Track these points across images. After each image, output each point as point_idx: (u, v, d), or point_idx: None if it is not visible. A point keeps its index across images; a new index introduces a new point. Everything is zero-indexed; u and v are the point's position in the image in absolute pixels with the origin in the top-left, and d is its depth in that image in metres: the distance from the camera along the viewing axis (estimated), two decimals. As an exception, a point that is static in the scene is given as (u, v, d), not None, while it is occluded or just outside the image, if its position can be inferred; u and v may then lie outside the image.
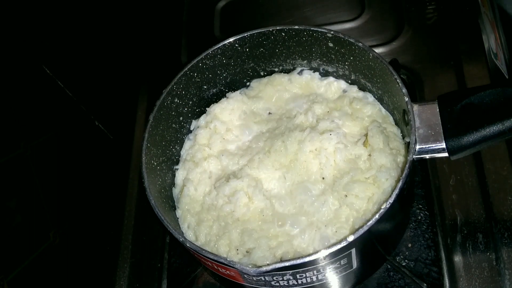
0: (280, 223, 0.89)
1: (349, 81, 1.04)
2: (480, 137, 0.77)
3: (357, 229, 0.74)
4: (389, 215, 0.76)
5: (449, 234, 0.96)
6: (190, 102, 1.03)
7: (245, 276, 0.80)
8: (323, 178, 0.91)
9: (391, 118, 0.98)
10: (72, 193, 1.15)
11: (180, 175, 1.00)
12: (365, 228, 0.74)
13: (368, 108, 0.99)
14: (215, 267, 0.82)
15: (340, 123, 0.96)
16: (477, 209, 0.97)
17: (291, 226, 0.88)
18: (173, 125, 1.01)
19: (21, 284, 0.93)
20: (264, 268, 0.74)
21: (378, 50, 1.23)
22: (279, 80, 1.07)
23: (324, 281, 0.83)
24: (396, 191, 0.76)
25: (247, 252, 0.86)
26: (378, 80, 0.95)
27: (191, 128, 1.05)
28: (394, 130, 0.95)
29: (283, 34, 1.00)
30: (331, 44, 0.98)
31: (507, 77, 1.04)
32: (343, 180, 0.89)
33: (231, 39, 1.00)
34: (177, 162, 1.03)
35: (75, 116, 1.20)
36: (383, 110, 0.99)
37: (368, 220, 0.74)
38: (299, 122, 0.98)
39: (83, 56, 1.23)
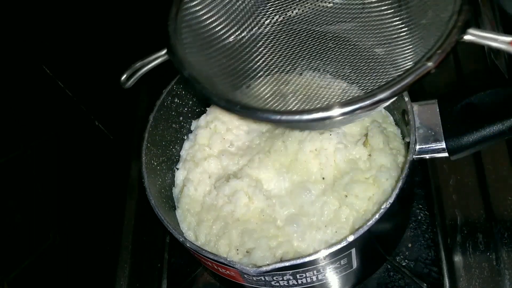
0: (280, 223, 0.89)
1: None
2: (480, 137, 0.77)
3: (357, 229, 0.74)
4: (389, 215, 0.76)
5: (449, 234, 0.96)
6: (190, 102, 1.03)
7: (245, 276, 0.80)
8: (323, 178, 0.91)
9: (391, 118, 0.98)
10: (72, 193, 1.15)
11: (180, 175, 1.00)
12: (365, 228, 0.74)
13: (368, 108, 0.98)
14: (215, 267, 0.82)
15: (340, 123, 0.96)
16: (477, 209, 0.97)
17: (291, 226, 0.88)
18: (173, 125, 1.01)
19: (21, 284, 0.93)
20: (264, 268, 0.74)
21: (378, 50, 1.23)
22: (279, 80, 1.07)
23: (324, 281, 0.83)
24: (396, 191, 0.76)
25: (247, 252, 0.86)
26: (378, 80, 0.95)
27: (191, 128, 1.05)
28: (394, 130, 0.95)
29: (283, 34, 0.99)
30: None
31: (507, 77, 1.04)
32: (343, 180, 0.89)
33: (231, 39, 1.00)
34: (177, 162, 1.02)
35: (75, 116, 1.20)
36: (383, 110, 0.99)
37: (368, 220, 0.74)
38: (299, 122, 0.98)
39: (83, 56, 1.23)
